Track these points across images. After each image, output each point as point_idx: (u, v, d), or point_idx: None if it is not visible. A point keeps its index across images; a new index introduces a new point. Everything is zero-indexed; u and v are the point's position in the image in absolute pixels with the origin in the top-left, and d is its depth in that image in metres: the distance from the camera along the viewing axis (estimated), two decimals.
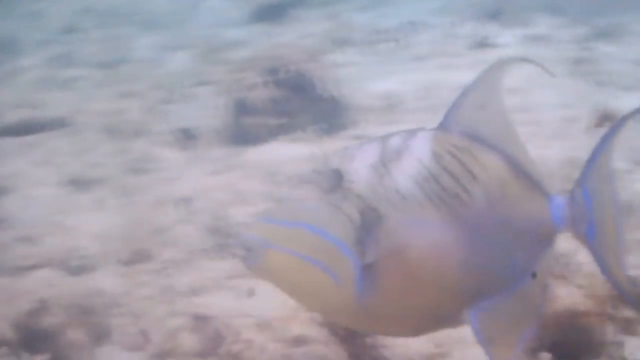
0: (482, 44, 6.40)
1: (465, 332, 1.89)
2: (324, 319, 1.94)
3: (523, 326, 1.87)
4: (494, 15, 7.30)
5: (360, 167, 1.85)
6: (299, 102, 4.93)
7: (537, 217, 1.86)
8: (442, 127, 1.89)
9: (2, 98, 6.23)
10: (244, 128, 4.92)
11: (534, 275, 1.86)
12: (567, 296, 2.43)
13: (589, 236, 1.86)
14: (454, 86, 5.44)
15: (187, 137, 5.04)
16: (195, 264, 3.32)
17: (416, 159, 1.84)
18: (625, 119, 1.84)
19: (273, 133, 4.83)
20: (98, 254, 3.52)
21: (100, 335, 2.85)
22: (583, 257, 2.24)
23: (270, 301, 2.64)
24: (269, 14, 8.51)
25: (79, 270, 3.40)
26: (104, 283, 3.21)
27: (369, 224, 1.82)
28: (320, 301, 1.88)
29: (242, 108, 4.95)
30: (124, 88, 6.36)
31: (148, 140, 5.11)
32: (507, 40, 6.58)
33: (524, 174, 1.87)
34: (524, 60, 1.96)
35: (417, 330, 1.95)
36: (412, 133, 1.89)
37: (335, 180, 1.85)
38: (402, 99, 5.40)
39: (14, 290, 3.16)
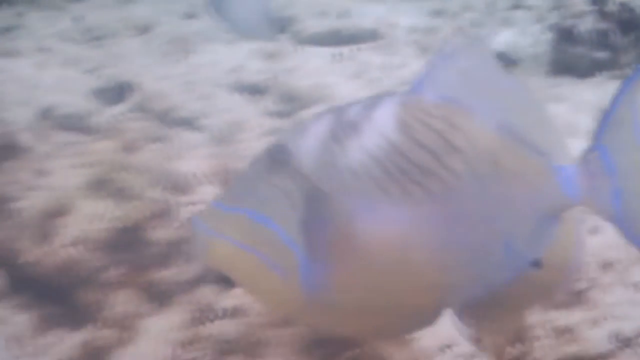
0: None
1: None
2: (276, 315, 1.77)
3: (522, 316, 1.63)
4: None
5: (310, 143, 1.58)
6: (623, 38, 4.66)
7: (541, 193, 1.53)
8: (414, 93, 1.57)
9: (305, 5, 6.23)
10: (566, 58, 4.71)
11: (537, 262, 1.52)
12: None
13: (615, 207, 1.53)
14: None
15: (503, 62, 4.86)
16: None
17: (377, 131, 1.54)
18: None
19: (595, 67, 4.61)
20: None
21: None
22: None
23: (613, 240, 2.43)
24: None
25: None
26: None
27: (314, 209, 1.55)
28: (268, 296, 1.67)
29: (565, 37, 4.75)
30: (434, 5, 6.25)
31: None
32: None
33: (522, 143, 1.54)
34: None
35: (386, 331, 1.70)
36: (374, 101, 1.60)
37: (282, 159, 1.60)
38: None
39: None
